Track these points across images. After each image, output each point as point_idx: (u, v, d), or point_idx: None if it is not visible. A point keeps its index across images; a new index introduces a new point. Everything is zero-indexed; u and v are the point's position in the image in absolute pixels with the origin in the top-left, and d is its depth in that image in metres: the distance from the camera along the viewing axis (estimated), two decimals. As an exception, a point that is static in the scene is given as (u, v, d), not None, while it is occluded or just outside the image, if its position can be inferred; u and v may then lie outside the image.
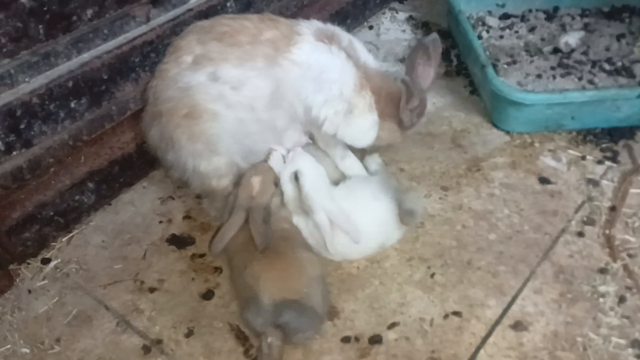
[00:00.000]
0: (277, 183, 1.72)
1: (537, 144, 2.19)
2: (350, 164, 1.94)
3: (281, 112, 1.76)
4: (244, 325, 1.64)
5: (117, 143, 1.95)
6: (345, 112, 1.75)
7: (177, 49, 1.72)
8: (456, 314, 1.67)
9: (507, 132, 2.24)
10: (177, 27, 1.90)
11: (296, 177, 1.71)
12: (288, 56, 1.70)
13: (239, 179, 1.73)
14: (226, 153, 1.75)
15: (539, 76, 2.39)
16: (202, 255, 1.84)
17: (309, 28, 1.76)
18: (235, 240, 1.67)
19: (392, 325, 1.64)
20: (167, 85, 1.70)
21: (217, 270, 1.80)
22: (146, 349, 1.61)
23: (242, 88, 1.69)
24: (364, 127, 1.80)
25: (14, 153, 1.63)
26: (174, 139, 1.71)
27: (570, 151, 2.16)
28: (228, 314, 1.68)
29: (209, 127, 1.70)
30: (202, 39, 1.70)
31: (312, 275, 1.62)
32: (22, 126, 1.62)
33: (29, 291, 1.76)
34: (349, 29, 1.88)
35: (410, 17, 2.90)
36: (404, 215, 1.78)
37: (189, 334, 1.64)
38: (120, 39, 1.81)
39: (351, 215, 1.71)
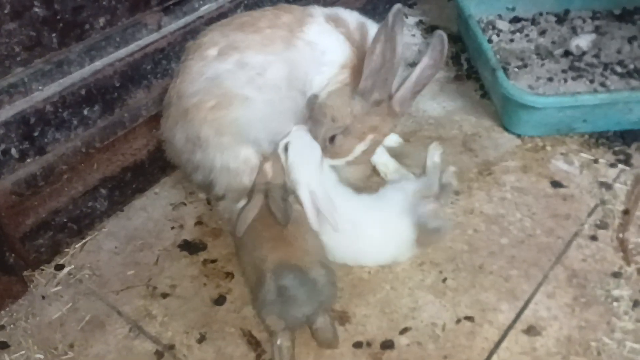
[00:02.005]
0: (284, 164, 1.75)
1: (548, 148, 2.17)
2: (386, 161, 1.96)
3: (297, 92, 1.77)
4: (260, 323, 1.64)
5: (129, 150, 1.95)
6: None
7: (201, 45, 1.73)
8: (468, 318, 1.66)
9: (519, 136, 2.22)
10: (188, 34, 1.90)
11: (285, 147, 1.72)
12: (301, 36, 1.73)
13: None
14: (254, 142, 1.74)
15: (550, 79, 2.38)
16: (213, 261, 1.85)
17: (318, 11, 1.80)
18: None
19: (404, 331, 1.64)
20: (193, 80, 1.71)
21: (229, 275, 1.80)
22: (159, 355, 1.61)
23: (265, 73, 1.71)
24: None
25: (28, 160, 1.64)
26: (201, 137, 1.71)
27: (583, 154, 2.14)
28: (240, 319, 1.68)
29: (240, 115, 1.70)
30: (224, 32, 1.73)
31: (315, 258, 1.61)
32: (36, 134, 1.62)
33: (43, 297, 1.76)
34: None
35: (420, 22, 2.90)
36: (428, 235, 1.78)
37: (201, 339, 1.64)
38: (132, 46, 1.81)
39: (339, 206, 1.70)
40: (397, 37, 1.66)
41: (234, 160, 1.72)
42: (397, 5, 1.62)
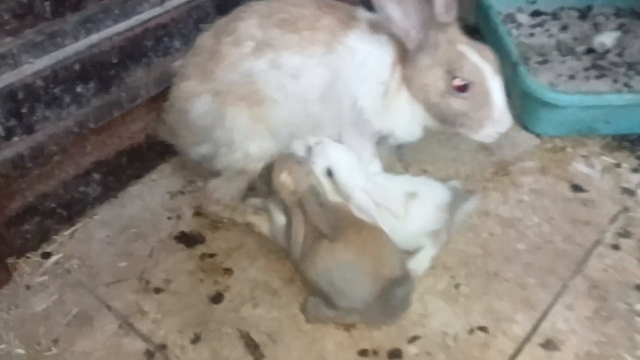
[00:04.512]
0: (300, 162, 1.67)
1: (568, 149, 2.11)
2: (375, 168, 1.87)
3: (329, 107, 1.73)
4: (258, 324, 1.59)
5: (125, 132, 1.90)
6: (382, 96, 1.68)
7: (235, 30, 1.69)
8: (482, 328, 1.59)
9: (537, 135, 2.16)
10: (193, 10, 1.86)
11: (329, 171, 1.66)
12: (344, 41, 1.67)
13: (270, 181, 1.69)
14: (278, 138, 1.75)
15: (571, 77, 2.31)
16: (212, 255, 1.79)
17: (364, 15, 1.72)
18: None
19: (413, 339, 1.57)
20: (226, 68, 1.69)
21: (228, 271, 1.74)
22: (149, 354, 1.54)
23: (301, 77, 1.68)
24: (401, 111, 1.71)
25: (15, 139, 1.59)
26: (228, 116, 1.70)
27: (604, 157, 2.08)
28: (238, 319, 1.62)
29: (270, 112, 1.71)
30: (263, 24, 1.69)
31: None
32: (24, 110, 1.58)
33: (27, 287, 1.70)
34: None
35: (436, 11, 2.81)
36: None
37: (196, 339, 1.58)
38: (132, 20, 1.77)
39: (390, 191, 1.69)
40: None
41: (259, 148, 1.73)
42: None
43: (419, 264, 1.71)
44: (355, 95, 1.69)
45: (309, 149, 1.70)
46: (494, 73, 1.59)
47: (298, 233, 1.60)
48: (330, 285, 1.52)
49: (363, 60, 1.66)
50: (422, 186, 1.75)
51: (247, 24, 1.69)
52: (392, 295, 1.50)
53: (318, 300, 1.56)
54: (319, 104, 1.72)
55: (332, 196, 1.68)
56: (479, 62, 1.58)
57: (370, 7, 1.69)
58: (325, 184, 1.67)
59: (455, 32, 1.64)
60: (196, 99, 1.73)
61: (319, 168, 1.67)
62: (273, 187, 1.64)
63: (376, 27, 1.69)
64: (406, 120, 1.72)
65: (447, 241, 1.75)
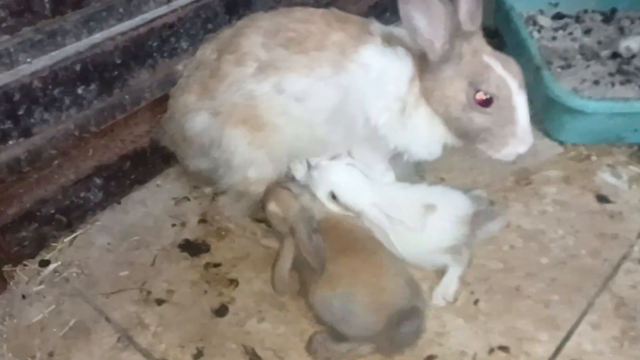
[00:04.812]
0: (287, 188, 1.64)
1: (594, 158, 2.03)
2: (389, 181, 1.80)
3: (338, 128, 1.66)
4: (264, 340, 1.52)
5: (129, 136, 1.86)
6: (399, 113, 1.58)
7: (238, 49, 1.62)
8: (502, 348, 1.51)
9: (561, 143, 2.07)
10: (200, 10, 1.80)
11: (333, 195, 1.63)
12: (355, 58, 1.58)
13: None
14: (278, 163, 1.70)
15: (596, 82, 2.23)
16: (216, 265, 1.73)
17: (379, 28, 1.64)
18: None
19: (428, 359, 1.49)
20: (227, 87, 1.64)
21: (233, 282, 1.68)
22: (148, 371, 1.49)
23: (307, 99, 1.61)
24: (419, 128, 1.61)
25: (11, 142, 1.54)
26: (226, 139, 1.65)
27: (631, 167, 1.99)
28: (242, 334, 1.55)
29: (271, 137, 1.66)
30: (267, 44, 1.61)
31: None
32: (21, 112, 1.52)
33: (23, 296, 1.65)
34: (386, 23, 1.81)
35: (453, 14, 2.74)
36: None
37: (198, 355, 1.51)
38: (137, 19, 1.72)
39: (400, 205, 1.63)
40: None
41: (258, 174, 1.68)
42: None
43: (447, 287, 1.62)
44: (369, 112, 1.60)
45: (310, 168, 1.66)
46: (519, 88, 1.49)
47: (284, 263, 1.55)
48: (331, 315, 1.45)
49: (378, 75, 1.57)
50: (441, 197, 1.67)
51: (250, 43, 1.62)
52: (397, 330, 1.42)
53: (325, 336, 1.48)
54: (325, 126, 1.64)
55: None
56: (505, 76, 1.48)
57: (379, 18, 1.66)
58: (333, 207, 1.63)
59: (479, 42, 1.54)
60: (195, 115, 1.68)
61: (322, 194, 1.64)
62: (266, 216, 1.63)
63: (391, 41, 1.60)
64: (425, 137, 1.62)
65: (470, 258, 1.66)
